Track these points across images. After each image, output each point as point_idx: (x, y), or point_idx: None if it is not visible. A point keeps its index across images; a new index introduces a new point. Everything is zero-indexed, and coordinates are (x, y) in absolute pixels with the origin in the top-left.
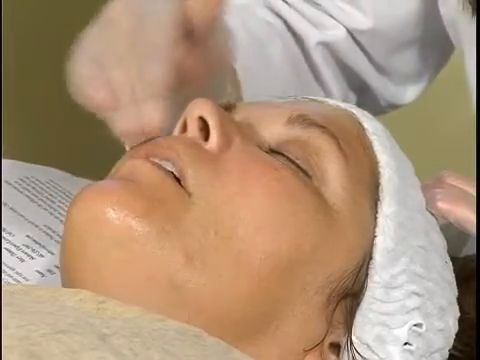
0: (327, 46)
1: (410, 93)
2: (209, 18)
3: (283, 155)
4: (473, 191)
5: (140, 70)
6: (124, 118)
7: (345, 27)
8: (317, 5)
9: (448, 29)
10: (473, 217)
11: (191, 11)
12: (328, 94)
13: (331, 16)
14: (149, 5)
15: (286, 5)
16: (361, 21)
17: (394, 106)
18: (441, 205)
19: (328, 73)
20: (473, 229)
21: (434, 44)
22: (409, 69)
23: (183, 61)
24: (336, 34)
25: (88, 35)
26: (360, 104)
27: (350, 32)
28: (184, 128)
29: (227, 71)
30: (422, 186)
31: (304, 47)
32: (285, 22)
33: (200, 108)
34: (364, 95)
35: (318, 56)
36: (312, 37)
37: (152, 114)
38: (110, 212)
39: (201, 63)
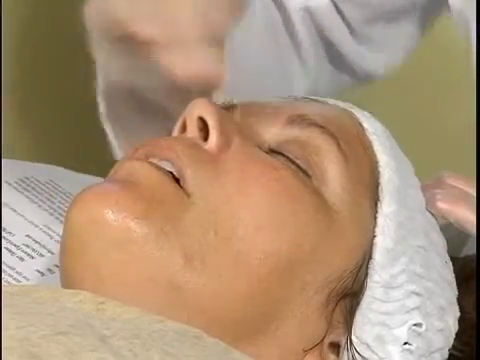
0: (308, 11)
1: (387, 62)
2: None
3: (283, 155)
4: (473, 191)
5: (203, 11)
6: (183, 58)
7: None
8: None
9: (457, 21)
10: (473, 217)
11: None
12: (303, 62)
13: None
14: None
15: None
16: None
17: (370, 76)
18: (441, 205)
19: (306, 39)
20: (473, 229)
21: (418, 13)
22: (388, 38)
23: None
24: (318, 0)
25: None
26: (335, 75)
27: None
28: (183, 128)
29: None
30: (422, 186)
31: (285, 11)
32: None
33: (200, 108)
34: (340, 65)
35: (298, 21)
36: (293, 2)
37: (217, 61)
38: (109, 214)
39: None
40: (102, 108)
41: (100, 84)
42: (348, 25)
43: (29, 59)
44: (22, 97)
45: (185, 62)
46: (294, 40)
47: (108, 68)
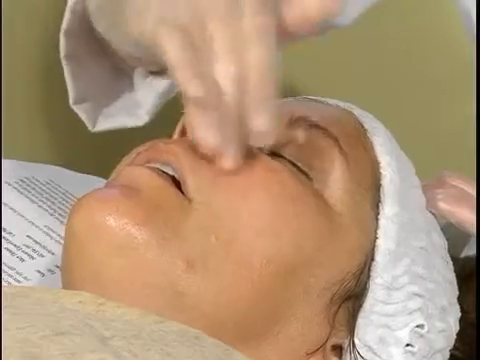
0: None
1: (349, 10)
2: None
3: (284, 157)
4: (472, 190)
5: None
6: (212, 126)
7: None
8: None
9: (464, 21)
10: (474, 218)
11: None
12: None
13: None
14: None
15: None
16: None
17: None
18: (442, 206)
19: None
20: (474, 230)
21: None
22: None
23: None
24: None
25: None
26: None
27: None
28: (183, 132)
29: None
30: (423, 186)
31: None
32: None
33: None
34: None
35: None
36: None
37: (265, 124)
38: (110, 220)
39: None
40: (63, 48)
41: (65, 23)
42: None
43: (29, 59)
44: (22, 97)
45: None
46: None
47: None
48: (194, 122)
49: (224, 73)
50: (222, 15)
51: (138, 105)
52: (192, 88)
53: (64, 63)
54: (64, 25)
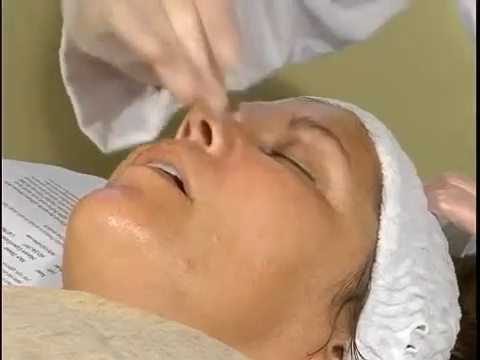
0: None
1: (366, 23)
2: None
3: (286, 158)
4: (472, 190)
5: (208, 40)
6: (182, 76)
7: None
8: None
9: (464, 21)
10: (474, 217)
11: None
12: (277, 33)
13: None
14: None
15: None
16: None
17: (347, 40)
18: (444, 206)
19: (284, 9)
20: (474, 229)
21: None
22: (367, 2)
23: None
24: None
25: None
26: (310, 43)
27: None
28: (186, 132)
29: None
30: (424, 187)
31: None
32: None
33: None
34: (316, 31)
35: None
36: None
37: (230, 50)
38: (112, 220)
39: None
40: (64, 71)
41: (63, 47)
42: None
43: (29, 59)
44: (22, 97)
45: (180, 80)
46: (269, 8)
47: (78, 38)
48: (165, 80)
49: (182, 25)
50: None
51: (146, 120)
52: (147, 46)
53: (67, 85)
54: (62, 48)
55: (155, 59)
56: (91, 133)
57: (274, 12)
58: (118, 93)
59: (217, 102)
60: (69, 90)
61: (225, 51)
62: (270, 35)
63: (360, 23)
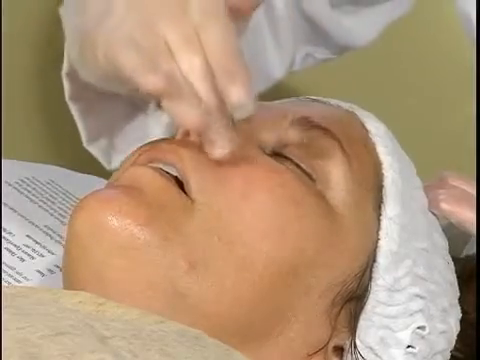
0: None
1: (367, 29)
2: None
3: (286, 158)
4: (472, 190)
5: (217, 81)
6: (188, 108)
7: None
8: None
9: (464, 24)
10: (475, 217)
11: None
12: (280, 46)
13: None
14: None
15: None
16: None
17: (348, 46)
18: (444, 206)
19: (285, 19)
20: (474, 230)
21: None
22: (369, 9)
23: None
24: None
25: (115, 11)
26: (311, 50)
27: None
28: (187, 132)
29: None
30: (425, 187)
31: None
32: None
33: None
34: (317, 38)
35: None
36: None
37: (242, 94)
38: (113, 220)
39: None
40: (67, 90)
41: (65, 66)
42: (331, 1)
43: (30, 59)
44: (22, 97)
45: (192, 114)
46: (270, 19)
47: (81, 72)
48: (172, 112)
49: (189, 66)
50: (170, 14)
51: (149, 137)
52: (153, 84)
53: (70, 104)
54: (65, 68)
55: (161, 93)
56: (95, 150)
57: (275, 21)
58: (122, 110)
59: (225, 144)
60: (72, 109)
61: (236, 95)
62: (272, 45)
63: (361, 29)
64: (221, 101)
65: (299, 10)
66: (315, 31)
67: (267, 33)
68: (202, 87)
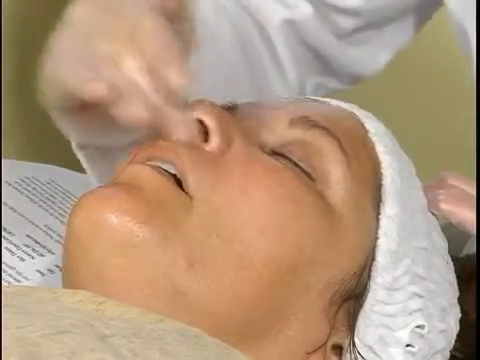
0: (293, 25)
1: (376, 60)
2: (180, 3)
3: (285, 157)
4: (472, 191)
5: (155, 72)
6: (135, 106)
7: (331, 5)
8: None
9: (457, 35)
10: (474, 217)
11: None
12: (284, 76)
13: None
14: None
15: None
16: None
17: (358, 78)
18: (444, 206)
19: (287, 53)
20: (474, 230)
21: (408, 18)
22: (377, 41)
23: None
24: (303, 12)
25: (61, 37)
26: (322, 81)
27: (328, 10)
28: None
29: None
30: (424, 187)
31: (263, 29)
32: (242, 0)
33: (200, 110)
34: (327, 71)
35: (280, 35)
36: (277, 16)
37: (178, 120)
38: (112, 218)
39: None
40: (72, 139)
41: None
42: (335, 32)
43: (30, 59)
44: (22, 97)
45: (133, 111)
46: (273, 55)
47: (75, 133)
48: (118, 114)
49: (127, 66)
50: (105, 29)
51: None
52: (96, 90)
53: (77, 152)
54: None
55: (106, 98)
56: None
57: (279, 59)
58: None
59: (182, 130)
60: (79, 156)
61: (173, 79)
62: (278, 81)
63: (368, 59)
64: (167, 91)
65: (303, 43)
66: (323, 63)
67: (272, 70)
68: (143, 81)
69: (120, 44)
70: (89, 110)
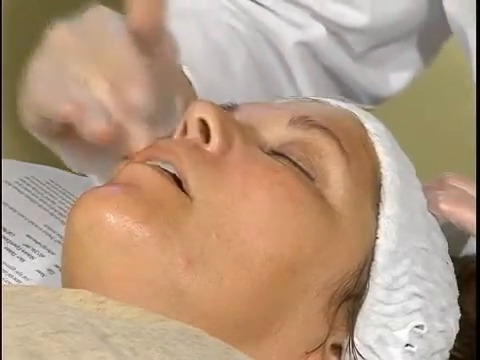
0: (307, 46)
1: (394, 81)
2: (154, 26)
3: (285, 157)
4: (472, 191)
5: (117, 89)
6: (94, 121)
7: (336, 25)
8: (298, 4)
9: (456, 36)
10: (474, 218)
11: (134, 22)
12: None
13: (316, 15)
14: (97, 25)
15: (259, 7)
16: (356, 18)
17: (377, 98)
18: (444, 207)
19: (303, 75)
20: (474, 230)
21: (425, 35)
22: (393, 61)
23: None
24: (316, 33)
25: (38, 60)
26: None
27: (336, 30)
28: (184, 131)
29: (176, 82)
30: (424, 187)
31: (278, 50)
32: (257, 25)
33: (201, 110)
34: (345, 93)
35: (295, 58)
36: (290, 37)
37: (140, 136)
38: (110, 217)
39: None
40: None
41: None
42: (351, 54)
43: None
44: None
45: (92, 125)
46: (289, 76)
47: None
48: (82, 129)
49: (93, 85)
50: (75, 53)
51: None
52: (62, 109)
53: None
54: None
55: (71, 117)
56: None
57: (295, 80)
58: None
59: (137, 142)
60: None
61: (134, 96)
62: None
63: (386, 80)
64: (128, 108)
65: (319, 64)
66: (339, 83)
67: (287, 88)
68: (105, 98)
69: (86, 64)
70: (69, 135)
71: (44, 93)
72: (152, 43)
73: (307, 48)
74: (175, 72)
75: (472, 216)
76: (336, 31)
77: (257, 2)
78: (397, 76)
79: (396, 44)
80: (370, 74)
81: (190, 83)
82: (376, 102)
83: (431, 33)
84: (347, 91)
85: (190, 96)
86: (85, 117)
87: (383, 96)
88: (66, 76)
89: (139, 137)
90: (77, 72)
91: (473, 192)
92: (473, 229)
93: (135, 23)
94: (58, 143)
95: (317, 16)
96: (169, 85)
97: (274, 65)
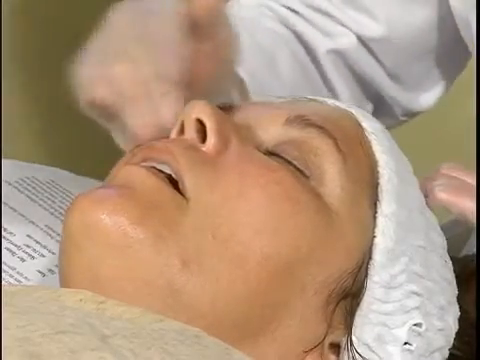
0: (338, 54)
1: (426, 99)
2: (212, 12)
3: (280, 156)
4: (472, 181)
5: (152, 66)
6: (136, 114)
7: (356, 35)
8: (326, 13)
9: (462, 31)
10: (474, 206)
11: (194, 6)
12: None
13: (341, 24)
14: (151, 4)
15: (294, 15)
16: (373, 28)
17: (411, 113)
18: (442, 196)
19: (339, 82)
20: (474, 218)
21: (450, 51)
22: (424, 77)
23: (191, 58)
24: (347, 42)
25: (93, 39)
26: (376, 114)
27: (362, 40)
28: (181, 130)
29: (231, 69)
30: (423, 179)
31: (314, 56)
32: (294, 32)
33: (197, 110)
34: (379, 104)
35: (329, 64)
36: (322, 45)
37: (170, 109)
38: (105, 219)
39: (208, 60)
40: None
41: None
42: (381, 65)
43: (30, 60)
44: (23, 98)
45: (133, 119)
46: (326, 83)
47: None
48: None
49: (170, 111)
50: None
51: None
52: (94, 91)
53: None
54: None
55: (106, 101)
56: None
57: (332, 85)
58: None
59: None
60: None
61: (164, 111)
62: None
63: (417, 99)
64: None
65: (352, 71)
66: (369, 90)
67: (324, 91)
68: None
69: (134, 46)
70: (115, 118)
71: (86, 74)
72: (209, 29)
73: (339, 56)
74: (230, 62)
75: (472, 205)
76: (362, 40)
77: (293, 10)
78: (426, 96)
79: (423, 63)
80: (401, 91)
81: (242, 82)
82: (408, 115)
83: (454, 51)
84: (381, 101)
85: (244, 97)
86: (127, 106)
87: (414, 111)
88: (112, 57)
89: (168, 110)
90: (123, 53)
91: (472, 180)
92: (473, 218)
93: (196, 10)
94: (110, 124)
95: (344, 25)
96: (223, 72)
97: (312, 70)
